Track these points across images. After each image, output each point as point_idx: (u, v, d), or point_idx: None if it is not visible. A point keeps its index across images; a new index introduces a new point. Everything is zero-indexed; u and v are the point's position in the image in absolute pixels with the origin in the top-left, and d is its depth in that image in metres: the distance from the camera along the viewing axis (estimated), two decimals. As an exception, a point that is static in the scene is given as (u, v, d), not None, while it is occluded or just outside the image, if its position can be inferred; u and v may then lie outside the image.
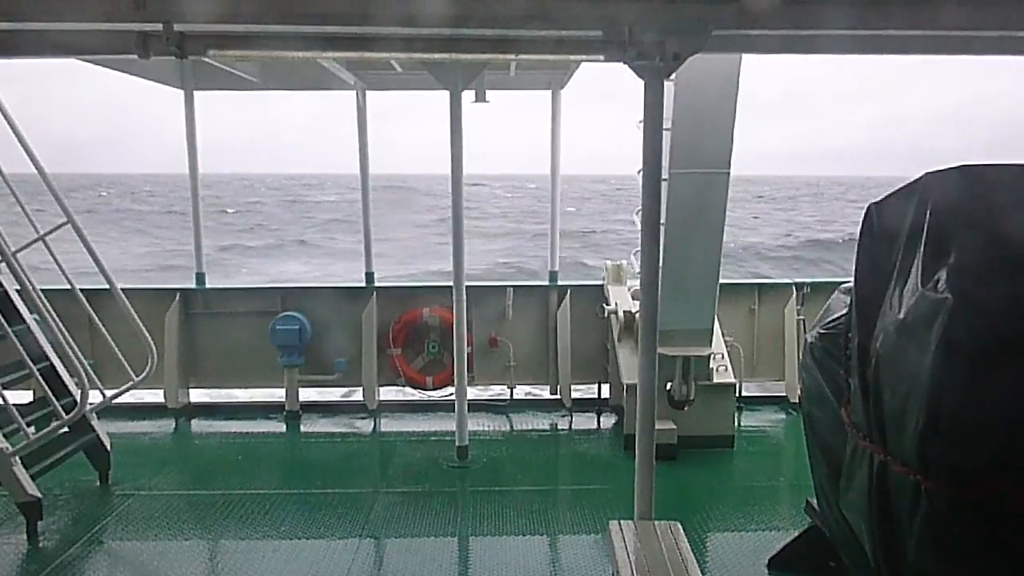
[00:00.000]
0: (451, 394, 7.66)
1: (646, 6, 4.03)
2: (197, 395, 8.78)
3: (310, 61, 6.62)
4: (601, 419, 8.35)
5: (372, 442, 7.88)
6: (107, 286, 6.26)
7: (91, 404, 6.11)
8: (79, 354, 6.01)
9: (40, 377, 5.74)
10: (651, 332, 4.64)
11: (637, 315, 6.11)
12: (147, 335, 6.30)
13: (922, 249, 3.37)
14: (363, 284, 8.89)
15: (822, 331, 4.39)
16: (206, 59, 4.75)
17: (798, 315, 8.50)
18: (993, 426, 3.05)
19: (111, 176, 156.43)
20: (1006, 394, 3.02)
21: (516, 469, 6.95)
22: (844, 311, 4.14)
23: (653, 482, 4.72)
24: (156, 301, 8.41)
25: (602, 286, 8.48)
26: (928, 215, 3.41)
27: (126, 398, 6.51)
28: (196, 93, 8.42)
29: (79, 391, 5.76)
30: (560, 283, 8.92)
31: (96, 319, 6.29)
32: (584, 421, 8.29)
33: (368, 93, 8.67)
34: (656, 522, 4.63)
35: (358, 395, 8.65)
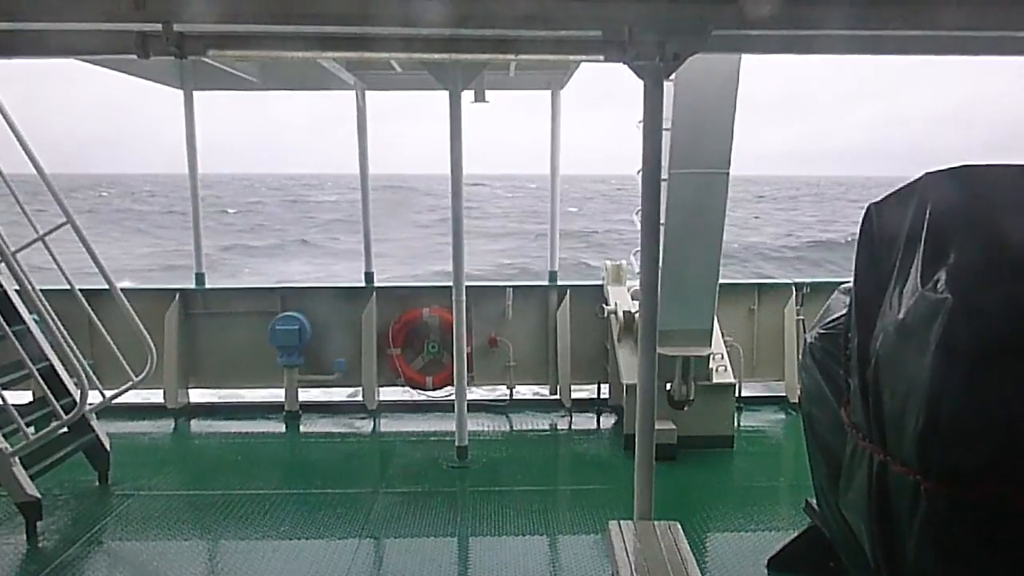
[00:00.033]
0: (451, 394, 7.67)
1: (646, 6, 4.03)
2: (197, 395, 8.78)
3: (310, 61, 6.62)
4: (601, 419, 8.35)
5: (372, 442, 7.88)
6: (107, 286, 6.26)
7: (91, 404, 6.11)
8: (79, 354, 6.02)
9: (40, 377, 5.73)
10: (651, 332, 4.64)
11: (637, 315, 6.11)
12: (147, 335, 6.30)
13: (922, 249, 3.37)
14: (363, 284, 8.89)
15: (822, 331, 4.39)
16: (206, 59, 4.75)
17: (798, 315, 8.50)
18: (993, 426, 3.05)
19: (111, 176, 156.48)
20: (1006, 394, 3.02)
21: (516, 469, 6.95)
22: (844, 311, 4.14)
23: (653, 482, 4.72)
24: (156, 301, 8.41)
25: (602, 286, 8.48)
26: (928, 215, 3.40)
27: (126, 398, 6.51)
28: (196, 93, 8.42)
29: (79, 391, 5.76)
30: (560, 283, 8.93)
31: (96, 319, 6.29)
32: (584, 421, 8.29)
33: (368, 93, 8.67)
34: (656, 522, 4.63)
35: (358, 395, 8.65)
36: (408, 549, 5.50)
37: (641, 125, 4.52)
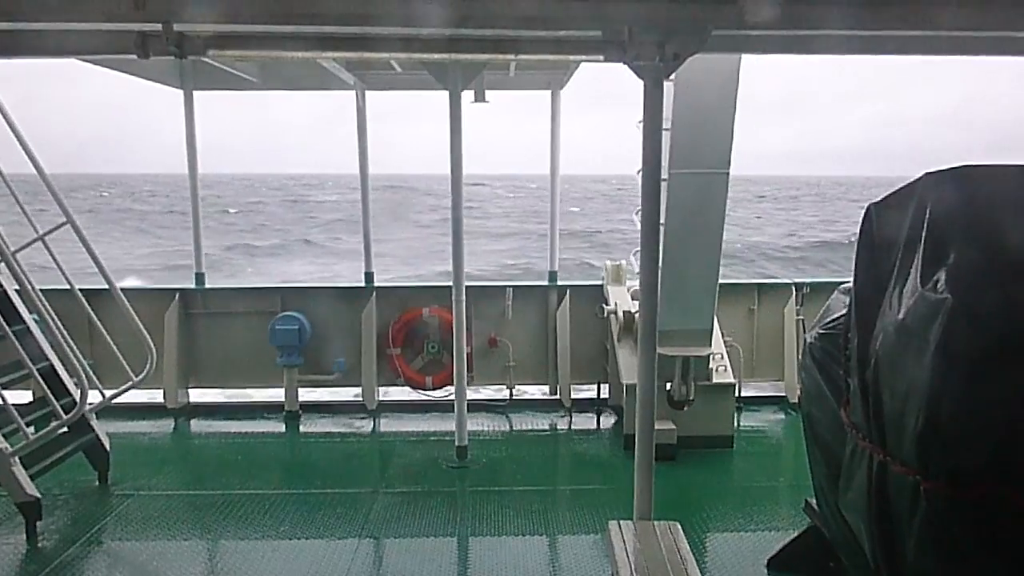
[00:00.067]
0: (451, 394, 7.67)
1: (646, 6, 4.03)
2: (196, 395, 8.78)
3: (310, 61, 6.62)
4: (601, 419, 8.35)
5: (371, 442, 7.88)
6: (107, 286, 6.26)
7: (90, 404, 6.11)
8: (78, 354, 6.02)
9: (39, 377, 5.73)
10: (651, 332, 4.64)
11: (637, 315, 6.11)
12: (147, 335, 6.30)
13: (921, 249, 3.37)
14: (362, 284, 8.89)
15: (822, 331, 4.39)
16: (206, 59, 4.76)
17: (797, 315, 8.50)
18: (992, 426, 3.05)
19: (111, 176, 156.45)
20: (1006, 394, 3.02)
21: (515, 469, 6.95)
22: (843, 311, 4.13)
23: (652, 482, 4.72)
24: (155, 301, 8.42)
25: (602, 286, 8.48)
26: (927, 215, 3.40)
27: (126, 398, 6.50)
28: (196, 93, 8.42)
29: (78, 391, 5.76)
30: (560, 283, 8.93)
31: (96, 319, 6.29)
32: (584, 421, 8.29)
33: (368, 93, 8.67)
34: (655, 522, 4.63)
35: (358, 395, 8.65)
36: (408, 549, 5.50)
37: (641, 125, 4.52)
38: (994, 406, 3.03)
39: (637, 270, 5.14)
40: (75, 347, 6.05)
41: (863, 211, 3.93)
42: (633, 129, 5.14)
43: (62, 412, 5.61)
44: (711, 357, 7.06)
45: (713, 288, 6.72)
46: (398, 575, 5.21)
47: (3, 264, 5.88)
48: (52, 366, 6.30)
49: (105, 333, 6.29)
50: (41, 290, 5.99)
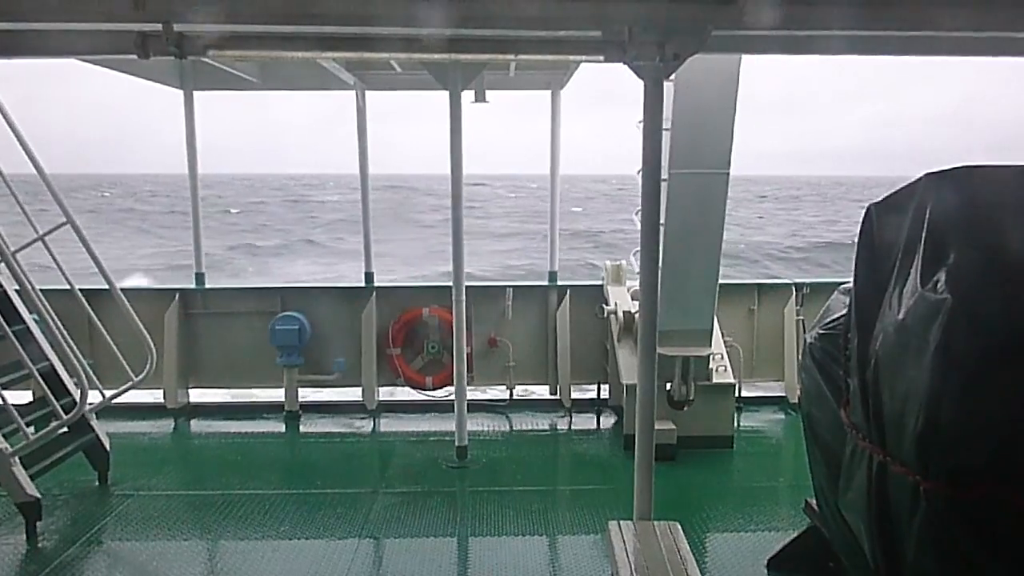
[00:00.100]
0: (451, 394, 7.66)
1: (646, 6, 4.03)
2: (196, 395, 8.78)
3: (310, 61, 6.62)
4: (601, 419, 8.35)
5: (371, 442, 7.88)
6: (107, 286, 6.27)
7: (90, 404, 6.11)
8: (78, 354, 6.02)
9: (39, 377, 5.73)
10: (651, 332, 4.64)
11: (637, 315, 6.10)
12: (147, 335, 6.30)
13: (921, 250, 3.37)
14: (362, 284, 8.89)
15: (821, 331, 4.39)
16: (206, 59, 4.76)
17: (797, 315, 8.50)
18: (992, 427, 3.04)
19: (111, 176, 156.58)
20: (1006, 395, 3.02)
21: (515, 469, 6.94)
22: (843, 311, 4.13)
23: (652, 482, 4.72)
24: (155, 301, 8.42)
25: (602, 286, 8.48)
26: (927, 216, 3.40)
27: (125, 398, 6.50)
28: (196, 93, 8.42)
29: (78, 391, 5.76)
30: (560, 283, 8.93)
31: (96, 319, 6.29)
32: (584, 421, 8.29)
33: (368, 93, 8.67)
34: (655, 522, 4.64)
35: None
36: (408, 549, 5.50)
37: (641, 125, 4.52)
38: (994, 406, 3.02)
39: (637, 270, 5.14)
40: (75, 347, 6.05)
41: (863, 211, 3.93)
42: (633, 129, 5.14)
43: (62, 412, 5.61)
44: (711, 357, 7.06)
45: (713, 288, 6.71)
46: (398, 575, 5.21)
47: (3, 264, 5.89)
48: (52, 366, 6.30)
49: (105, 333, 6.29)
50: (41, 290, 5.99)
